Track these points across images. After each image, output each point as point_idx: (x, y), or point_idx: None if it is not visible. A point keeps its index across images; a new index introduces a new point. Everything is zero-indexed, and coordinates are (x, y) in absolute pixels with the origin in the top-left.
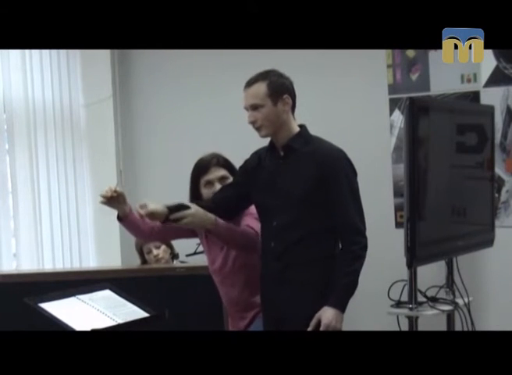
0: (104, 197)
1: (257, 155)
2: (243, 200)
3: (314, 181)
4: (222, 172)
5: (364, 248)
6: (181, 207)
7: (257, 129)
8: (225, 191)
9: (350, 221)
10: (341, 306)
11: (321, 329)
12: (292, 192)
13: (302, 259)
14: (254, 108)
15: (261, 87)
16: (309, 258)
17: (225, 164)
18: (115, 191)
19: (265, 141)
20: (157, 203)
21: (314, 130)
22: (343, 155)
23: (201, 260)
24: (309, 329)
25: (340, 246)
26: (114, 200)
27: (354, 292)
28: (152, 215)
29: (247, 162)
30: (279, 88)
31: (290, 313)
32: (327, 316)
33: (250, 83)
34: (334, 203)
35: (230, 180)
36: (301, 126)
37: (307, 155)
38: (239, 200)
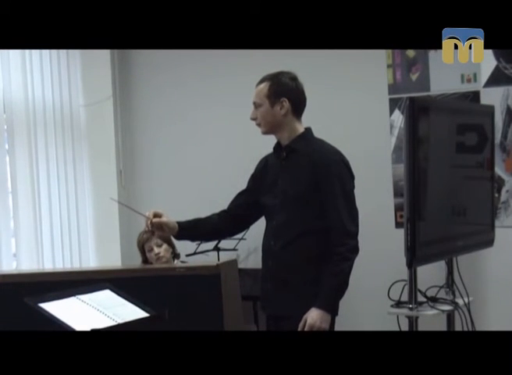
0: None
1: (265, 159)
2: (254, 206)
3: (307, 181)
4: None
5: (353, 250)
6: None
7: (258, 126)
8: (237, 198)
9: (339, 222)
10: (327, 307)
11: (306, 329)
12: (288, 192)
13: (297, 259)
14: (255, 106)
15: (264, 88)
16: (303, 258)
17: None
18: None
19: (263, 140)
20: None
21: (314, 130)
22: (338, 158)
23: (201, 260)
24: (299, 330)
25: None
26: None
27: (343, 293)
28: (161, 227)
29: (255, 168)
30: (279, 91)
31: (288, 312)
32: (311, 316)
33: (259, 82)
34: (325, 204)
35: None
36: (306, 129)
37: (305, 156)
38: (250, 206)
